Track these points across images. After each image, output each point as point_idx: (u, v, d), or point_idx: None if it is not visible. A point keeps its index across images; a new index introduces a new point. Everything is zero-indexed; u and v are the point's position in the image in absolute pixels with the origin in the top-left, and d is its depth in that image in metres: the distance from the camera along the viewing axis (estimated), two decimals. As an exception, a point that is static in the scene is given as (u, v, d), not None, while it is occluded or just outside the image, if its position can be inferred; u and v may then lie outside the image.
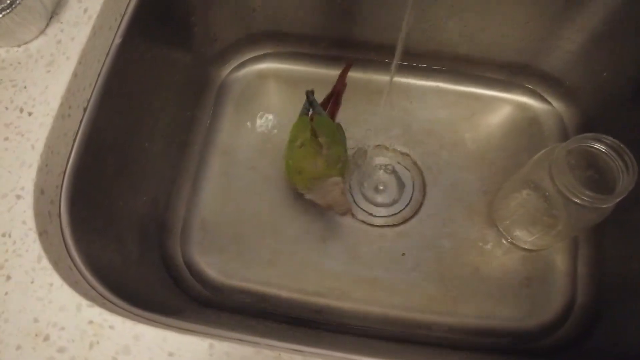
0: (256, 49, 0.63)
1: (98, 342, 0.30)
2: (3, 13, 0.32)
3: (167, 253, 0.54)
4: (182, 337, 0.30)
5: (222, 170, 0.59)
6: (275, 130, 0.60)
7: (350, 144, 0.56)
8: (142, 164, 0.49)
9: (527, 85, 0.61)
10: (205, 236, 0.56)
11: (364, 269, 0.54)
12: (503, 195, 0.54)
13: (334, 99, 0.59)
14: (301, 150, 0.48)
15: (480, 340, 0.52)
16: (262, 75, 0.63)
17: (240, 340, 0.29)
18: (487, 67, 0.61)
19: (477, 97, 0.62)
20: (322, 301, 0.53)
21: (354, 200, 0.56)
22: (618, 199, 0.40)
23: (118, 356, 0.29)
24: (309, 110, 0.55)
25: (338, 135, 0.52)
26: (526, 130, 0.59)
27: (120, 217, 0.45)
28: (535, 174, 0.48)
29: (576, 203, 0.42)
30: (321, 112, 0.54)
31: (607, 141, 0.41)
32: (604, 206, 0.42)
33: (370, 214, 0.56)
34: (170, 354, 0.29)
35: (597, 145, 0.42)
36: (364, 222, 0.56)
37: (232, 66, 0.63)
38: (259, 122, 0.61)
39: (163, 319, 0.30)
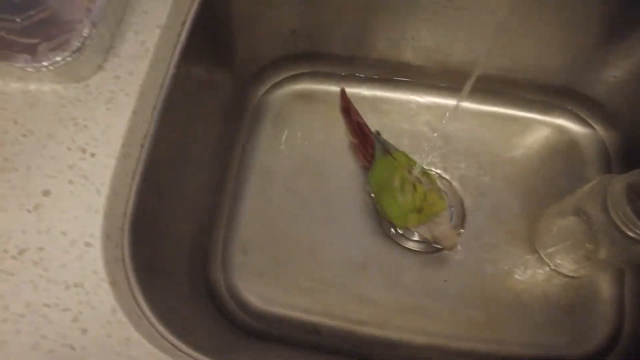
0: (292, 69, 0.62)
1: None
2: (73, 56, 0.31)
3: (210, 279, 0.53)
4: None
5: (259, 191, 0.58)
6: (311, 151, 0.59)
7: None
8: (188, 192, 0.48)
9: (567, 108, 0.60)
10: (245, 259, 0.55)
11: (406, 296, 0.53)
12: (546, 221, 0.54)
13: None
14: (406, 190, 0.48)
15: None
16: (298, 95, 0.62)
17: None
18: (527, 89, 0.61)
19: (515, 118, 0.61)
20: (365, 330, 0.53)
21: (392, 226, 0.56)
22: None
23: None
24: (383, 150, 0.54)
25: None
26: (565, 153, 0.59)
27: (172, 249, 0.44)
28: (585, 203, 0.48)
29: (629, 236, 0.42)
30: (395, 149, 0.54)
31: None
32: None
33: (410, 239, 0.55)
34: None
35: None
36: (404, 247, 0.55)
37: (267, 86, 0.62)
38: (294, 142, 0.60)
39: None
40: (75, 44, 0.31)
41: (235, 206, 0.57)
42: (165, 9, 0.39)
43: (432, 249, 0.55)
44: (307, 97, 0.62)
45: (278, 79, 0.62)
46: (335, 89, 0.61)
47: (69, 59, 0.31)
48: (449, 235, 0.47)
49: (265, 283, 0.54)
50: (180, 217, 0.45)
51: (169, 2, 0.39)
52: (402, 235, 0.55)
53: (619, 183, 0.43)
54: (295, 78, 0.62)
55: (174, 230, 0.44)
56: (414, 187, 0.47)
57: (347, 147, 0.59)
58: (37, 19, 0.37)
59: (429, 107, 0.61)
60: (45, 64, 0.30)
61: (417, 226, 0.48)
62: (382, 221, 0.55)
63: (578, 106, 0.60)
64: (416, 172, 0.49)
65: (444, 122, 0.57)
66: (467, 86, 0.40)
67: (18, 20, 0.37)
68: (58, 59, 0.30)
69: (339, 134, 0.59)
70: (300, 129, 0.61)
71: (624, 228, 0.42)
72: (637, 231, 0.41)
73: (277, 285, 0.54)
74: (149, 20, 0.39)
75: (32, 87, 0.37)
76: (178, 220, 0.45)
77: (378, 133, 0.56)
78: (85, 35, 0.31)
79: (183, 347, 0.32)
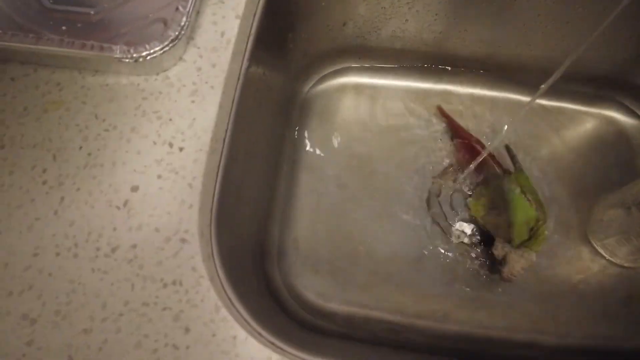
0: (340, 62, 0.61)
1: (296, 398, 0.28)
2: (164, 49, 0.30)
3: (269, 277, 0.52)
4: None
5: (310, 188, 0.57)
6: (359, 146, 0.58)
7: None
8: (252, 189, 0.47)
9: (615, 99, 0.60)
10: (299, 257, 0.54)
11: (463, 291, 0.53)
12: (600, 211, 0.54)
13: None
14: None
15: (576, 357, 0.52)
16: (345, 89, 0.61)
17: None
18: (573, 80, 0.61)
19: (563, 111, 0.61)
20: (423, 323, 0.52)
21: (447, 218, 0.55)
22: None
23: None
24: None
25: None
26: (614, 145, 0.59)
27: (241, 248, 0.43)
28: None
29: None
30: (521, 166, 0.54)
31: None
32: None
33: (464, 232, 0.55)
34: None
35: None
36: (459, 242, 0.55)
37: (315, 80, 0.61)
38: (343, 137, 0.59)
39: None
40: (170, 34, 0.30)
41: (287, 203, 0.56)
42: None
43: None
44: (355, 90, 0.62)
45: (326, 72, 0.61)
46: (381, 82, 0.61)
47: (167, 48, 0.30)
48: (515, 272, 0.48)
49: (321, 280, 0.53)
50: (248, 214, 0.44)
51: (245, -8, 0.38)
52: (452, 225, 0.55)
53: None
54: (343, 71, 0.61)
55: (242, 227, 0.44)
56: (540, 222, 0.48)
57: (395, 141, 0.58)
58: (115, 9, 0.36)
59: (476, 99, 0.61)
60: (144, 54, 0.29)
61: (510, 244, 0.49)
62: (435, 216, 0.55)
63: (626, 96, 0.60)
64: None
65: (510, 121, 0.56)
66: (546, 85, 0.40)
67: (92, 12, 0.36)
68: (156, 48, 0.29)
69: (387, 128, 0.59)
70: (348, 123, 0.60)
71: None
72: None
73: (333, 282, 0.53)
74: (227, 11, 0.38)
75: (111, 80, 0.36)
76: (246, 217, 0.44)
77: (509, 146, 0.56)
78: (183, 24, 0.30)
79: (281, 344, 0.32)
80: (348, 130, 0.60)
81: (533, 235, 0.48)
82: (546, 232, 0.50)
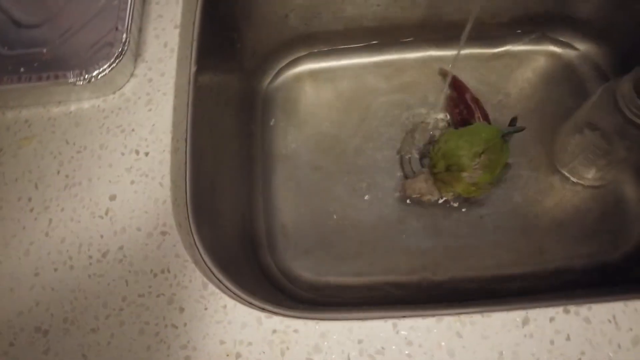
0: (292, 53, 0.64)
1: (288, 348, 0.31)
2: (112, 66, 0.33)
3: (263, 265, 0.55)
4: (364, 323, 0.31)
5: (287, 175, 0.60)
6: (326, 128, 0.61)
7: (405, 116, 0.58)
8: (229, 183, 0.50)
9: (556, 34, 0.63)
10: (289, 242, 0.57)
11: (449, 240, 0.56)
12: (561, 140, 0.57)
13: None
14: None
15: (573, 279, 0.54)
16: (302, 78, 0.64)
17: (421, 315, 0.31)
18: (515, 24, 0.63)
19: (513, 55, 0.64)
20: (418, 277, 0.55)
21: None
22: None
23: (311, 356, 0.31)
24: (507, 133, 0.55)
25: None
26: (564, 77, 0.62)
27: (227, 238, 0.46)
28: (594, 113, 0.50)
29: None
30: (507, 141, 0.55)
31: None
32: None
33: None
34: (360, 341, 0.31)
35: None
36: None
37: (271, 75, 0.64)
38: (308, 123, 0.62)
39: (341, 314, 0.32)
40: (115, 52, 0.33)
41: (268, 194, 0.59)
42: (178, 10, 0.41)
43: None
44: (311, 77, 0.65)
45: (280, 65, 0.64)
46: (335, 63, 0.64)
47: (114, 65, 0.33)
48: (410, 189, 0.52)
49: (315, 259, 0.56)
50: (228, 206, 0.47)
51: (180, 3, 0.42)
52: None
53: (625, 83, 0.45)
54: (296, 62, 0.64)
55: (225, 219, 0.47)
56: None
57: (358, 117, 0.61)
58: (64, 44, 0.39)
59: (427, 62, 0.64)
60: (94, 73, 0.32)
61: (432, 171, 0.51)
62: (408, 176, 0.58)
63: (564, 31, 0.63)
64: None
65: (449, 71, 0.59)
66: (464, 35, 0.43)
67: (44, 51, 0.39)
68: (105, 67, 0.32)
69: (348, 106, 0.62)
70: (311, 109, 0.63)
71: (638, 120, 0.45)
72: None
73: (326, 258, 0.56)
74: (166, 23, 0.41)
75: (73, 107, 0.39)
76: (226, 209, 0.47)
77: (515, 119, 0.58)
78: (124, 40, 0.33)
79: (273, 308, 0.35)
80: (313, 115, 0.63)
81: (463, 186, 0.50)
82: (475, 191, 0.52)
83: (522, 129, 0.56)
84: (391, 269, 0.55)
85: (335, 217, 0.58)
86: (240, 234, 0.52)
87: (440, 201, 0.54)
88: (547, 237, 0.55)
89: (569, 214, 0.56)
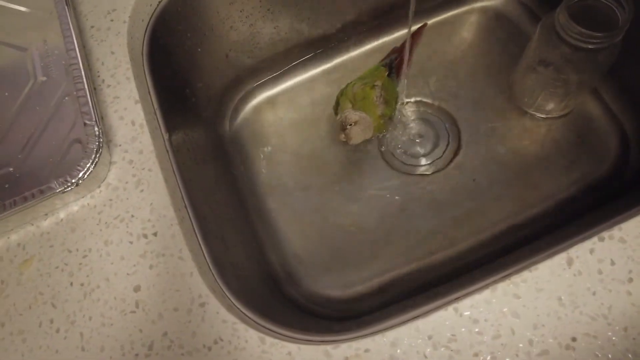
0: (242, 89, 0.64)
1: (366, 369, 0.31)
2: (95, 161, 0.32)
3: (291, 299, 0.54)
4: (428, 318, 0.32)
5: (281, 205, 0.60)
6: (300, 147, 0.62)
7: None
8: (232, 235, 0.50)
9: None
10: (306, 268, 0.57)
11: (452, 211, 0.57)
12: (519, 84, 0.59)
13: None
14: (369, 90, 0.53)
15: (574, 205, 0.56)
16: (260, 108, 0.65)
17: (476, 289, 0.32)
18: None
19: (444, 22, 0.66)
20: (439, 257, 0.56)
21: (404, 162, 0.59)
22: (622, 32, 0.45)
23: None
24: (387, 66, 0.58)
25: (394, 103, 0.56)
26: (499, 27, 0.65)
27: (254, 287, 0.45)
28: (541, 52, 0.53)
29: (589, 49, 0.47)
30: (393, 77, 0.57)
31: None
32: (615, 41, 0.47)
33: (417, 165, 0.59)
34: (430, 337, 0.31)
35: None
36: (419, 175, 0.59)
37: (230, 116, 0.64)
38: (282, 148, 0.62)
39: (403, 316, 0.32)
40: (92, 147, 0.32)
41: (270, 228, 0.59)
42: (132, 86, 0.41)
43: (444, 164, 0.58)
44: (269, 105, 0.65)
45: (234, 103, 0.64)
46: (288, 84, 0.64)
47: (97, 159, 0.32)
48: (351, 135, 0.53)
49: (336, 274, 0.56)
50: (243, 256, 0.47)
51: (132, 79, 0.41)
52: (410, 165, 0.59)
53: (561, 14, 0.48)
54: (249, 95, 0.65)
55: (244, 269, 0.46)
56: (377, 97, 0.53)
57: (324, 125, 0.62)
58: (30, 156, 0.38)
59: (370, 54, 0.65)
60: (80, 175, 0.31)
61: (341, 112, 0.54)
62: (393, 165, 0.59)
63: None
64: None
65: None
66: (410, 15, 0.44)
67: (11, 169, 0.38)
68: (88, 164, 0.31)
69: (315, 119, 0.62)
70: (279, 134, 0.63)
71: (582, 45, 0.47)
72: (593, 40, 0.47)
73: (346, 269, 0.56)
74: (125, 101, 0.40)
75: (62, 214, 0.38)
76: (242, 259, 0.46)
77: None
78: (97, 133, 0.32)
79: (333, 337, 0.34)
80: (283, 139, 0.63)
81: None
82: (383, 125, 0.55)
83: (396, 59, 0.59)
84: (411, 257, 0.56)
85: (340, 227, 0.58)
86: (262, 278, 0.51)
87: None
88: (539, 174, 0.57)
89: (550, 148, 0.59)
